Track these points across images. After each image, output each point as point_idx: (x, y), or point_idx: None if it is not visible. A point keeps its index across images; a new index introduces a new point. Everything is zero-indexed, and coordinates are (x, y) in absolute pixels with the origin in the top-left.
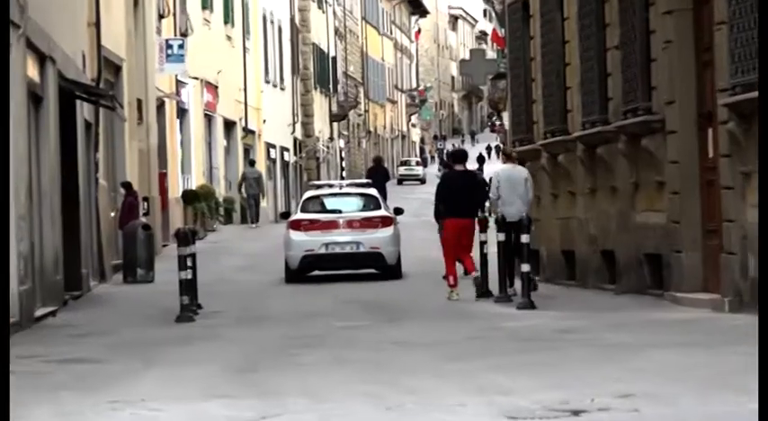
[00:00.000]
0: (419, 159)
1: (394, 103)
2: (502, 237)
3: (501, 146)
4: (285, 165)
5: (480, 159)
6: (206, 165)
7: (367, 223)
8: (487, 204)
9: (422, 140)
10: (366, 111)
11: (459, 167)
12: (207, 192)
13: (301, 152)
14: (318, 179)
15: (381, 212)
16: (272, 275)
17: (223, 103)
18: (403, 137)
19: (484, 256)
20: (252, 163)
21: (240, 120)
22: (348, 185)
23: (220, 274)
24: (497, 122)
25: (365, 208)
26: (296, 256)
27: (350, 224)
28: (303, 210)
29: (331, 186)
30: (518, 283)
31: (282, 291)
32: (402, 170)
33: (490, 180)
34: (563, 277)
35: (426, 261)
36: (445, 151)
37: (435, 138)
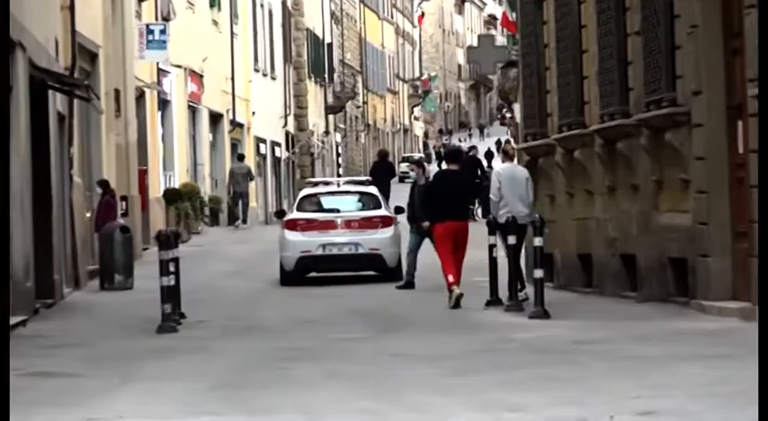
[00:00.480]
0: (422, 155)
1: (395, 93)
2: (512, 239)
3: (512, 140)
4: (276, 161)
5: (489, 155)
6: (190, 162)
7: (366, 223)
8: (475, 207)
9: (425, 135)
10: (365, 102)
11: (452, 167)
12: (191, 190)
13: (294, 147)
14: (313, 176)
15: (381, 212)
16: (263, 281)
17: (208, 94)
18: (405, 131)
19: (493, 261)
20: (240, 157)
21: (227, 112)
22: (346, 183)
23: (206, 280)
24: (508, 115)
25: (364, 207)
26: (292, 257)
27: (348, 224)
28: (299, 209)
29: (328, 184)
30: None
31: (274, 298)
32: (404, 167)
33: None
34: (579, 283)
35: (429, 265)
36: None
37: (440, 132)
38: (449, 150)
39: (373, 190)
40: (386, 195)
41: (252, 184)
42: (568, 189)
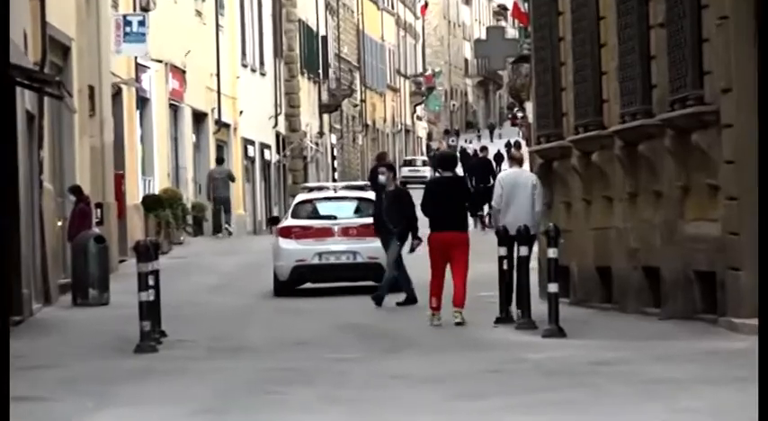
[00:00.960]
0: (426, 158)
1: (396, 91)
2: (525, 251)
3: (523, 142)
4: (266, 165)
5: (498, 158)
6: (171, 166)
7: (365, 231)
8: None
9: (429, 136)
10: (363, 100)
11: (447, 173)
12: (172, 197)
13: (285, 150)
14: (306, 181)
15: None
16: (251, 297)
17: (192, 92)
18: (407, 131)
19: (503, 274)
20: (219, 160)
21: (212, 111)
22: (344, 188)
23: (188, 296)
24: (519, 114)
25: (363, 213)
26: (286, 267)
27: (346, 231)
28: (294, 216)
29: (325, 189)
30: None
31: (263, 315)
32: (405, 171)
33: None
34: (597, 298)
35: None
36: (460, 148)
37: (446, 133)
38: (442, 156)
39: (372, 195)
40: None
41: (238, 189)
42: (585, 195)
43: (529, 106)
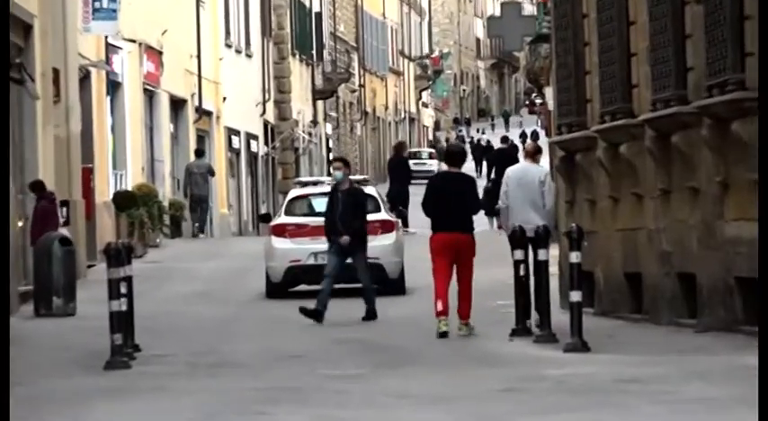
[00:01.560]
0: (432, 151)
1: (399, 75)
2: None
3: (540, 132)
4: (252, 158)
5: (513, 149)
6: (146, 159)
7: None
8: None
9: (436, 125)
10: (361, 85)
11: (451, 169)
12: (147, 193)
13: (275, 141)
14: (298, 176)
15: (381, 215)
16: (236, 306)
17: (169, 75)
18: (411, 120)
19: (520, 282)
20: (199, 153)
21: (192, 97)
22: None
23: (166, 305)
24: (538, 101)
25: None
26: (279, 268)
27: None
28: (288, 213)
29: (320, 184)
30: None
31: (249, 326)
32: (410, 165)
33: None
34: (625, 308)
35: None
36: (471, 139)
37: (456, 122)
38: (449, 150)
39: (372, 190)
40: (405, 199)
41: (221, 185)
42: (612, 192)
43: (548, 92)
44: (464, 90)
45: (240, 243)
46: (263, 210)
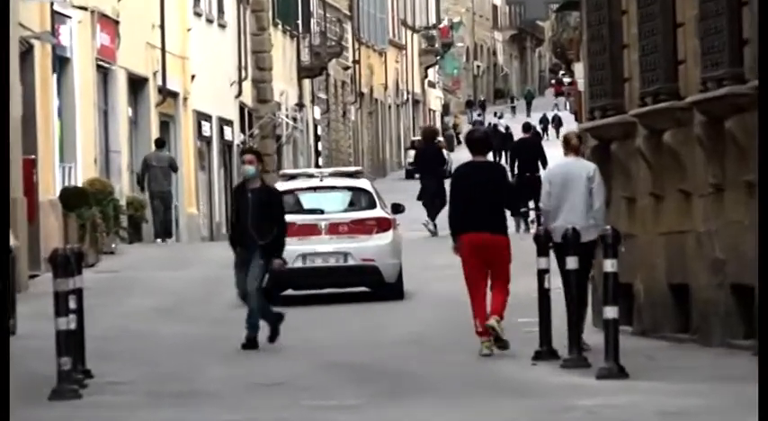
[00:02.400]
0: (441, 139)
1: (401, 49)
2: (572, 263)
3: (568, 117)
4: (226, 147)
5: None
6: (100, 148)
7: (358, 227)
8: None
9: (445, 108)
10: (356, 61)
11: (477, 158)
12: (101, 190)
13: (252, 128)
14: (281, 168)
15: (377, 212)
16: (206, 324)
17: (127, 50)
18: (415, 103)
19: (544, 295)
20: (159, 143)
21: (154, 75)
22: (332, 175)
23: (123, 323)
24: (566, 80)
25: (355, 206)
26: None
27: (334, 229)
28: None
29: (309, 177)
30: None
31: (221, 348)
32: (413, 155)
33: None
34: (670, 327)
35: (455, 302)
36: (488, 125)
37: (469, 104)
38: (473, 135)
39: (366, 184)
40: (437, 193)
41: (189, 180)
42: (655, 189)
43: (578, 69)
44: (478, 67)
45: (212, 249)
46: None
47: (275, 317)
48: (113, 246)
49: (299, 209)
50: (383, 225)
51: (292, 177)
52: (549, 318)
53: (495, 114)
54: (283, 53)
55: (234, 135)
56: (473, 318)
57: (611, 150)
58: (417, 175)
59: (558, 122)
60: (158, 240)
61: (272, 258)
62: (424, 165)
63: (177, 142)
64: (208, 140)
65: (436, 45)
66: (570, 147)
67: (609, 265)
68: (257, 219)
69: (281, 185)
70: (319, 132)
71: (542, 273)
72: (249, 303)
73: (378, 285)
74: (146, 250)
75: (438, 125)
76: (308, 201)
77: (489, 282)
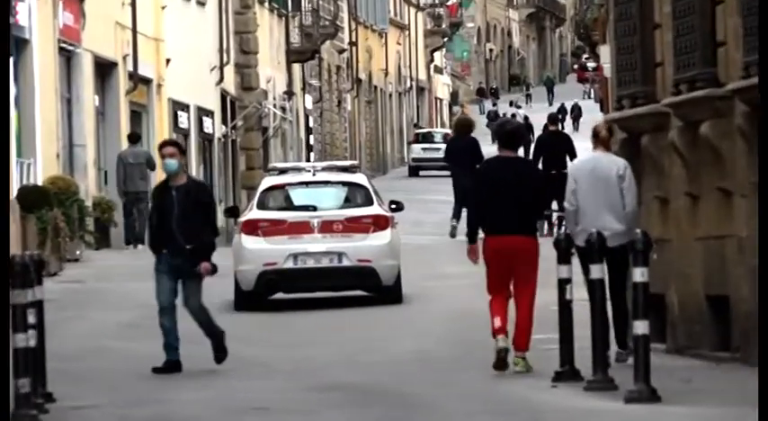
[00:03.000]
0: (449, 131)
1: (403, 29)
2: (598, 272)
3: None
4: (206, 141)
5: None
6: (63, 142)
7: (353, 225)
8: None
9: (453, 97)
10: (353, 43)
11: (505, 153)
12: (64, 190)
13: (236, 119)
14: (266, 165)
15: (374, 209)
16: (182, 341)
17: (93, 30)
18: (420, 90)
19: (565, 308)
20: (134, 138)
21: (124, 59)
22: (325, 169)
23: (88, 340)
24: (590, 65)
25: (351, 203)
26: (251, 272)
27: (328, 226)
28: (261, 207)
29: (301, 171)
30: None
31: (197, 367)
32: (418, 150)
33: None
34: (708, 344)
35: (465, 314)
36: (504, 115)
37: (480, 93)
38: (506, 128)
39: (362, 179)
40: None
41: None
42: (691, 187)
43: (604, 52)
44: (491, 50)
45: None
46: (219, 211)
47: (221, 333)
48: (78, 252)
49: (289, 205)
50: (380, 223)
51: (282, 171)
52: (572, 334)
53: (512, 104)
54: (270, 34)
55: (215, 127)
56: (491, 316)
57: (642, 144)
58: (449, 172)
59: (577, 112)
60: (129, 246)
61: (201, 263)
62: (457, 160)
63: (150, 135)
64: (185, 133)
65: (443, 25)
66: (599, 140)
67: (639, 275)
68: (184, 219)
69: (270, 180)
70: (311, 124)
71: (564, 283)
72: (166, 321)
73: (375, 288)
74: (115, 257)
75: (446, 116)
76: (299, 196)
77: (512, 291)
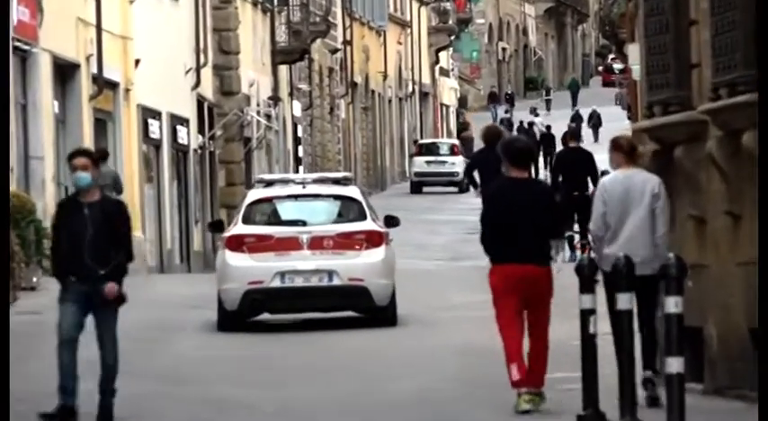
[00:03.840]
0: (455, 142)
1: (404, 26)
2: (626, 302)
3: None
4: (180, 152)
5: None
6: (17, 154)
7: (345, 242)
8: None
9: (461, 102)
10: (347, 42)
11: (516, 173)
12: (19, 208)
13: (214, 128)
14: (249, 179)
15: (367, 225)
16: (151, 381)
17: (53, 27)
18: (424, 95)
19: (589, 342)
20: (102, 156)
21: (88, 60)
22: (316, 182)
23: (47, 381)
24: (617, 66)
25: (342, 218)
26: (235, 292)
27: (319, 243)
28: (246, 221)
29: (289, 183)
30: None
31: (170, 412)
32: (421, 164)
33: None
34: (752, 384)
35: (474, 349)
36: (520, 124)
37: (492, 98)
38: (515, 145)
39: (355, 193)
40: None
41: (132, 195)
42: (732, 206)
43: (633, 52)
44: (504, 50)
45: (160, 284)
46: (195, 233)
47: (113, 393)
48: (34, 280)
49: (277, 220)
50: (374, 239)
51: (269, 183)
52: (596, 372)
53: (533, 111)
54: (253, 32)
55: (190, 137)
56: (507, 364)
57: (675, 157)
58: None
59: (596, 120)
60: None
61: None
62: (488, 175)
63: (117, 146)
64: (156, 144)
65: (450, 22)
66: (625, 154)
67: (672, 305)
68: (97, 241)
69: (257, 192)
70: (300, 134)
71: (587, 315)
72: (65, 357)
73: (367, 309)
74: None
75: (452, 124)
76: (287, 211)
77: (526, 324)
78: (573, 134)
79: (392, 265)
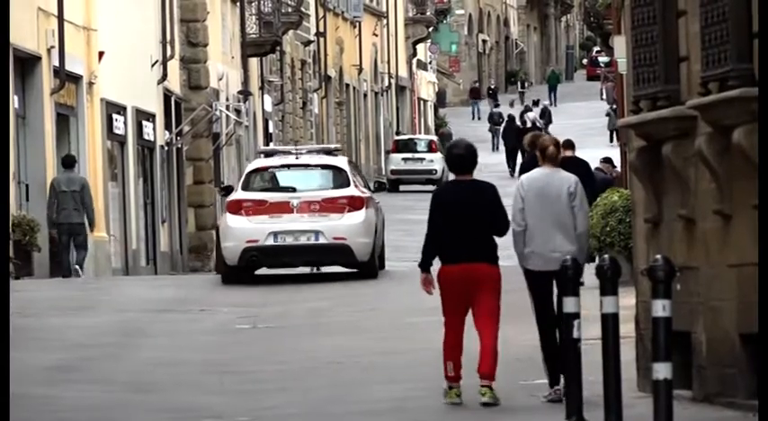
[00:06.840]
0: (434, 138)
1: (380, 17)
2: (612, 305)
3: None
4: (146, 149)
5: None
6: None
7: (329, 205)
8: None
9: (439, 97)
10: (320, 34)
11: (462, 177)
12: None
13: (181, 123)
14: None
15: (350, 191)
16: (121, 389)
17: (12, 17)
18: (401, 90)
19: (571, 348)
20: (68, 162)
21: (49, 52)
22: (308, 153)
23: (10, 387)
24: (602, 59)
25: (328, 184)
26: (235, 249)
27: (307, 206)
28: (245, 188)
29: (287, 154)
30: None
31: (132, 413)
32: (398, 161)
33: None
34: (744, 391)
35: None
36: (508, 117)
37: (473, 93)
38: (453, 151)
39: (342, 163)
40: None
41: (96, 195)
42: (722, 205)
43: (619, 44)
44: (484, 42)
45: (127, 286)
46: (162, 235)
47: None
48: None
49: (271, 186)
50: (355, 203)
51: (269, 154)
52: (580, 380)
53: (537, 103)
54: (222, 23)
55: (156, 133)
56: (443, 361)
57: (663, 154)
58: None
59: (547, 118)
60: (72, 273)
61: None
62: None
63: (80, 143)
64: (121, 140)
65: (428, 12)
66: (546, 155)
67: (659, 309)
68: None
69: (257, 162)
70: (271, 129)
71: (570, 319)
72: None
73: (350, 264)
74: (39, 288)
75: (430, 120)
76: (281, 179)
77: (473, 321)
78: (567, 144)
79: (372, 226)
